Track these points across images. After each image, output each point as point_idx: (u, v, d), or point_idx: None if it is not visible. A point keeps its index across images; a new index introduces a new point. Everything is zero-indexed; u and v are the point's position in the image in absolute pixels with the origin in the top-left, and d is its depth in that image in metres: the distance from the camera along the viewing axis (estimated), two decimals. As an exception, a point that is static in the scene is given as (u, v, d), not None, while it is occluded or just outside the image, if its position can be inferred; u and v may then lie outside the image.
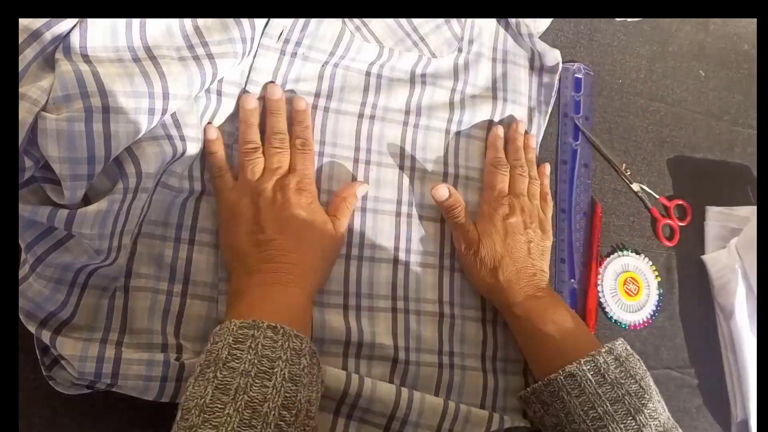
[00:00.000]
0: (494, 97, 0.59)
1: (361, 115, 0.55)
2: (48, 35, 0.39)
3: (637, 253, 0.62)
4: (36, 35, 0.39)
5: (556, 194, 0.61)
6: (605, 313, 0.59)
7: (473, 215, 0.55)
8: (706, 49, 0.72)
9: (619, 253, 0.61)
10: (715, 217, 0.66)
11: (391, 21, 0.56)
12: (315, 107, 0.53)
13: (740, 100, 0.71)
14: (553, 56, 0.60)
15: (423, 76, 0.57)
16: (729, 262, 0.62)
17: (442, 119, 0.57)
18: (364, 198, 0.53)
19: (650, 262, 0.62)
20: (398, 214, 0.54)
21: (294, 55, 0.53)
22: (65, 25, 0.40)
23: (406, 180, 0.55)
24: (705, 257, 0.64)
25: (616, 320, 0.59)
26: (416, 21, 0.56)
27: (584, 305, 0.58)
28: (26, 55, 0.38)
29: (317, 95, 0.54)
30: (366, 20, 0.55)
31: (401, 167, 0.55)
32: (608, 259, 0.61)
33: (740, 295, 0.61)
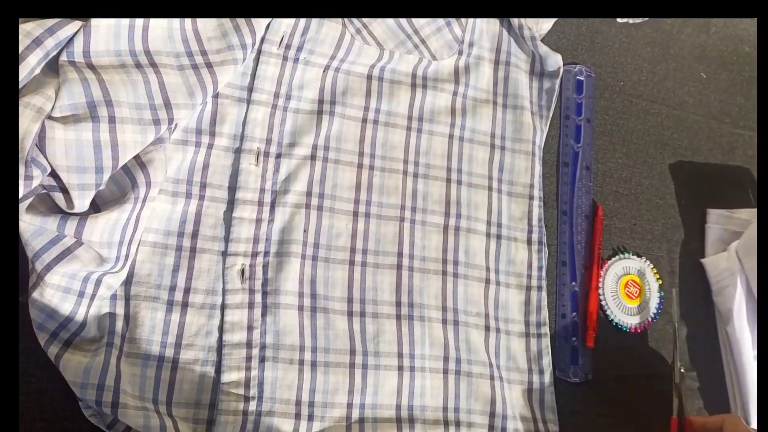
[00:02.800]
0: (495, 102, 0.59)
1: (364, 120, 0.55)
2: (51, 41, 0.39)
3: (639, 255, 0.62)
4: (38, 41, 0.38)
5: (557, 196, 0.61)
6: (606, 315, 0.59)
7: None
8: (707, 52, 0.72)
9: (621, 255, 0.61)
10: (717, 219, 0.65)
11: (392, 23, 0.55)
12: (319, 113, 0.53)
13: (741, 103, 0.71)
14: (554, 60, 0.60)
15: (424, 78, 0.57)
16: (728, 266, 0.62)
17: (445, 124, 0.57)
18: (369, 203, 0.53)
19: (651, 265, 0.62)
20: (402, 220, 0.54)
21: (296, 60, 0.53)
22: (68, 30, 0.40)
23: (410, 185, 0.55)
24: (704, 261, 0.64)
25: (617, 323, 0.59)
26: (418, 23, 0.56)
27: (585, 308, 0.58)
28: (29, 62, 0.38)
29: (321, 101, 0.54)
30: (367, 22, 0.55)
31: (405, 172, 0.55)
32: (609, 261, 0.61)
33: (738, 299, 0.61)
